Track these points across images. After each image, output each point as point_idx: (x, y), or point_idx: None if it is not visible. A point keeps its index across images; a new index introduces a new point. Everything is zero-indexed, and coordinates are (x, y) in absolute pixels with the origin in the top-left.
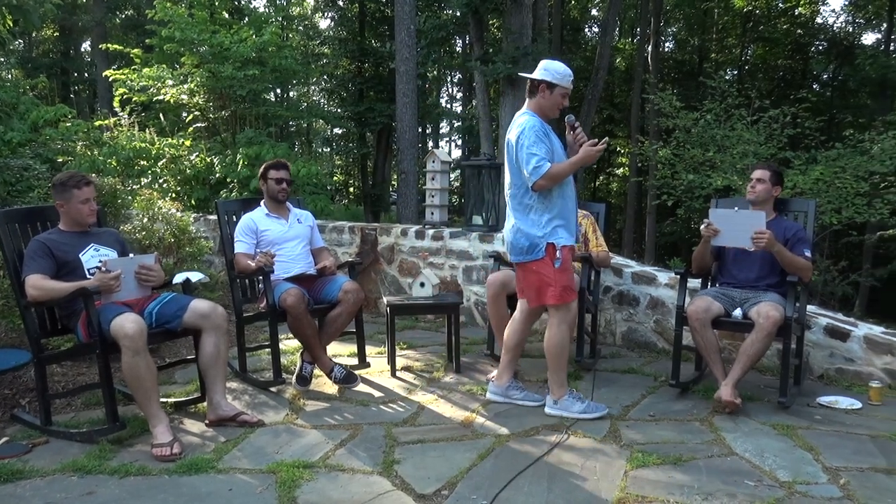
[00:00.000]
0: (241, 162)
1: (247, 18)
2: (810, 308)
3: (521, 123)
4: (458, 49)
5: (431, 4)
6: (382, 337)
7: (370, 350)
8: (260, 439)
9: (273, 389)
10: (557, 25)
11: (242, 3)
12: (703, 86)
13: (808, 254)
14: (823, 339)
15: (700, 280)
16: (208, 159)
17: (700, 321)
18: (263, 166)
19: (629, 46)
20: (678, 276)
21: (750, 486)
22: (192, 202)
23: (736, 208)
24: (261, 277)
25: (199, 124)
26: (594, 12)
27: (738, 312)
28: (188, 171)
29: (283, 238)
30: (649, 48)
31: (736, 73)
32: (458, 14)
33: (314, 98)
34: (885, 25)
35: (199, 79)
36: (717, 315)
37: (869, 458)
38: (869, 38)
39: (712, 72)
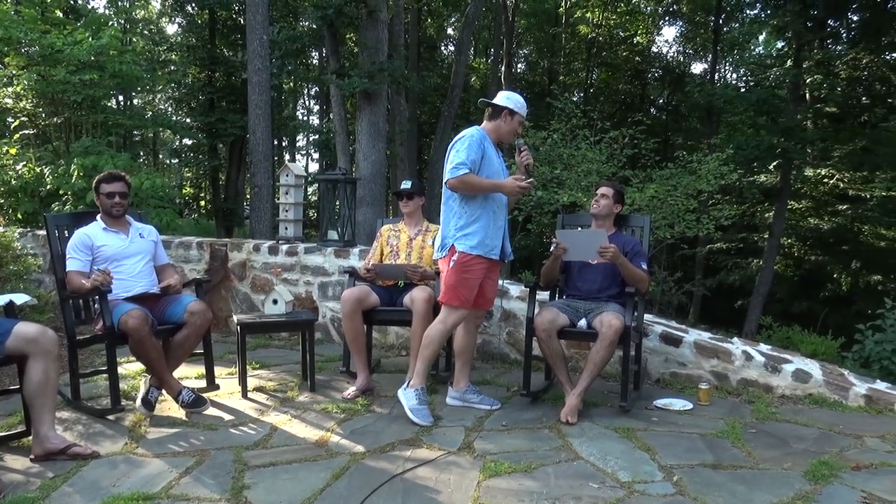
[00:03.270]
0: (75, 173)
1: (84, 19)
2: (648, 317)
3: (464, 132)
4: (314, 61)
5: (286, 15)
6: (233, 357)
7: (220, 371)
8: (94, 472)
9: (111, 417)
10: (414, 42)
11: (79, 2)
12: (552, 106)
13: (644, 266)
14: (659, 345)
15: (549, 292)
16: (38, 169)
17: (546, 332)
18: (96, 179)
19: (484, 66)
20: (528, 289)
21: (594, 488)
22: (19, 216)
23: (579, 227)
24: (97, 297)
25: (26, 131)
26: (450, 31)
27: (582, 322)
28: (13, 181)
29: (122, 254)
30: (503, 68)
31: (582, 95)
32: (314, 26)
33: (161, 107)
34: (710, 56)
35: (26, 82)
36: (562, 326)
37: (699, 455)
38: (697, 68)
39: (559, 93)
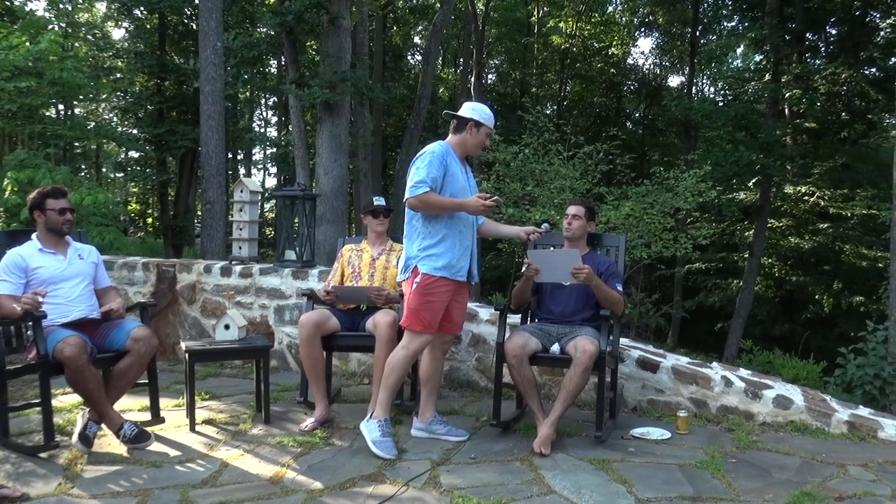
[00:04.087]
0: (9, 187)
1: (21, 22)
2: (625, 341)
3: (427, 148)
4: (272, 70)
5: (242, 21)
6: (181, 387)
7: (166, 402)
8: None
9: (43, 455)
10: (379, 51)
11: (16, 3)
12: (524, 119)
13: (620, 288)
14: (636, 371)
15: (520, 315)
16: None
17: (517, 357)
18: (38, 194)
19: (453, 76)
20: (498, 312)
21: None
22: None
23: (552, 248)
24: (31, 323)
25: None
26: (416, 40)
27: (555, 347)
28: None
29: (60, 277)
30: (472, 79)
31: (555, 107)
32: (272, 33)
33: (105, 117)
34: (687, 69)
35: None
36: (534, 351)
37: (677, 487)
38: (674, 81)
39: (531, 106)
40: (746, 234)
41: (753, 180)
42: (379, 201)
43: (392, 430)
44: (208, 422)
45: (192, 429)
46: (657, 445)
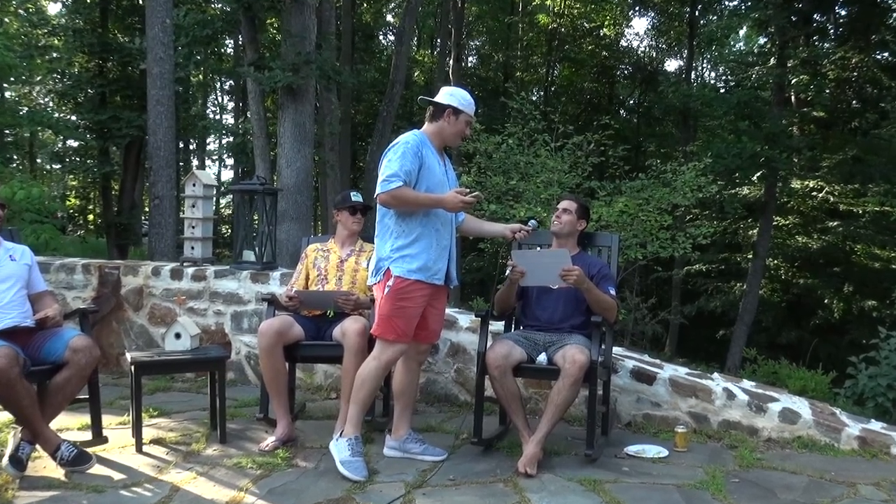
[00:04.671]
0: None
1: None
2: (618, 350)
3: (400, 138)
4: (228, 50)
5: None
6: (126, 403)
7: (109, 420)
8: None
9: None
10: (348, 30)
11: None
12: (507, 106)
13: (613, 292)
14: (630, 382)
15: (503, 322)
16: None
17: (500, 368)
18: None
19: (429, 59)
20: (479, 319)
21: None
22: None
23: (538, 248)
24: None
25: None
26: (389, 18)
27: (542, 358)
28: None
29: None
30: (450, 62)
31: (542, 94)
32: (228, 10)
33: (40, 101)
34: (685, 52)
35: None
36: (518, 361)
37: None
38: (672, 65)
39: (515, 92)
40: (750, 232)
41: (757, 174)
42: (356, 197)
43: (363, 449)
44: (157, 441)
45: (139, 449)
46: (653, 464)
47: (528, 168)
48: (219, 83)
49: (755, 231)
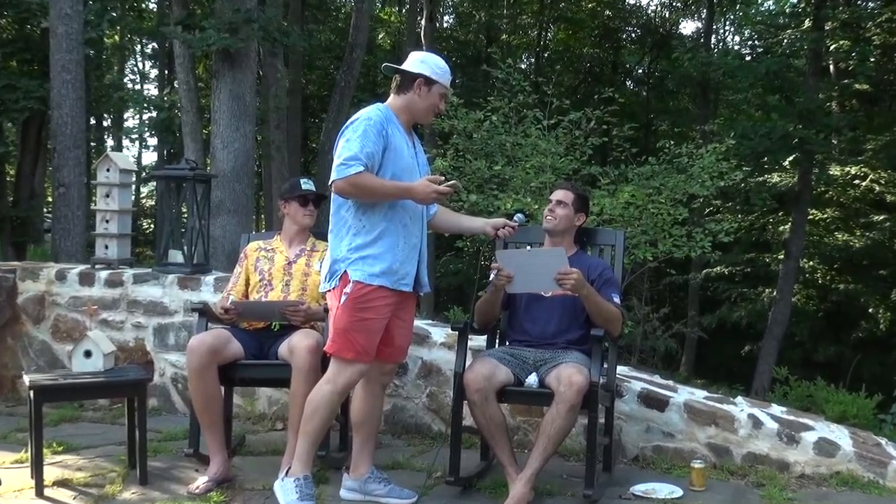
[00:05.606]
0: None
1: None
2: (623, 369)
3: (360, 113)
4: (151, 6)
5: None
6: (24, 436)
7: (3, 458)
8: None
9: None
10: None
11: None
12: (491, 76)
13: (617, 299)
14: (638, 408)
15: (486, 337)
16: None
17: (481, 392)
18: None
19: (396, 18)
20: (457, 333)
21: None
22: None
23: (527, 246)
24: None
25: None
26: None
27: (532, 379)
28: None
29: None
30: (422, 21)
31: (533, 61)
32: None
33: None
34: (704, 13)
35: None
36: (504, 383)
37: None
38: (688, 27)
39: (501, 59)
40: (781, 228)
41: (790, 158)
42: (308, 185)
43: (314, 490)
44: (62, 483)
45: (40, 493)
46: None
47: (516, 150)
48: (139, 46)
49: (787, 227)
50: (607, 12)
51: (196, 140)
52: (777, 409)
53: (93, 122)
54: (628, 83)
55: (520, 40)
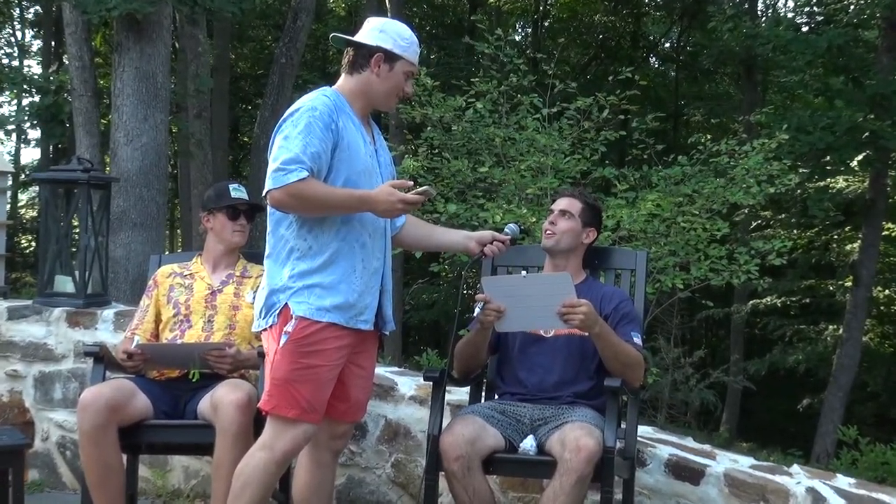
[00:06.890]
0: None
1: None
2: (647, 430)
3: (301, 101)
4: None
5: None
6: None
7: None
8: None
9: None
10: None
11: None
12: (476, 51)
13: (638, 340)
14: (665, 481)
15: (468, 388)
16: None
17: (462, 461)
18: None
19: None
20: (431, 384)
21: None
22: None
23: (523, 271)
24: None
25: None
26: None
27: (528, 444)
28: None
29: None
30: None
31: (529, 31)
32: None
33: None
34: None
35: None
36: (492, 449)
37: None
38: None
39: (488, 30)
40: (848, 247)
41: (859, 157)
42: (238, 192)
43: None
44: None
45: None
46: None
47: (508, 147)
48: (18, 11)
49: (855, 245)
50: None
51: (92, 133)
52: (844, 482)
53: None
54: (652, 60)
55: (512, 5)
